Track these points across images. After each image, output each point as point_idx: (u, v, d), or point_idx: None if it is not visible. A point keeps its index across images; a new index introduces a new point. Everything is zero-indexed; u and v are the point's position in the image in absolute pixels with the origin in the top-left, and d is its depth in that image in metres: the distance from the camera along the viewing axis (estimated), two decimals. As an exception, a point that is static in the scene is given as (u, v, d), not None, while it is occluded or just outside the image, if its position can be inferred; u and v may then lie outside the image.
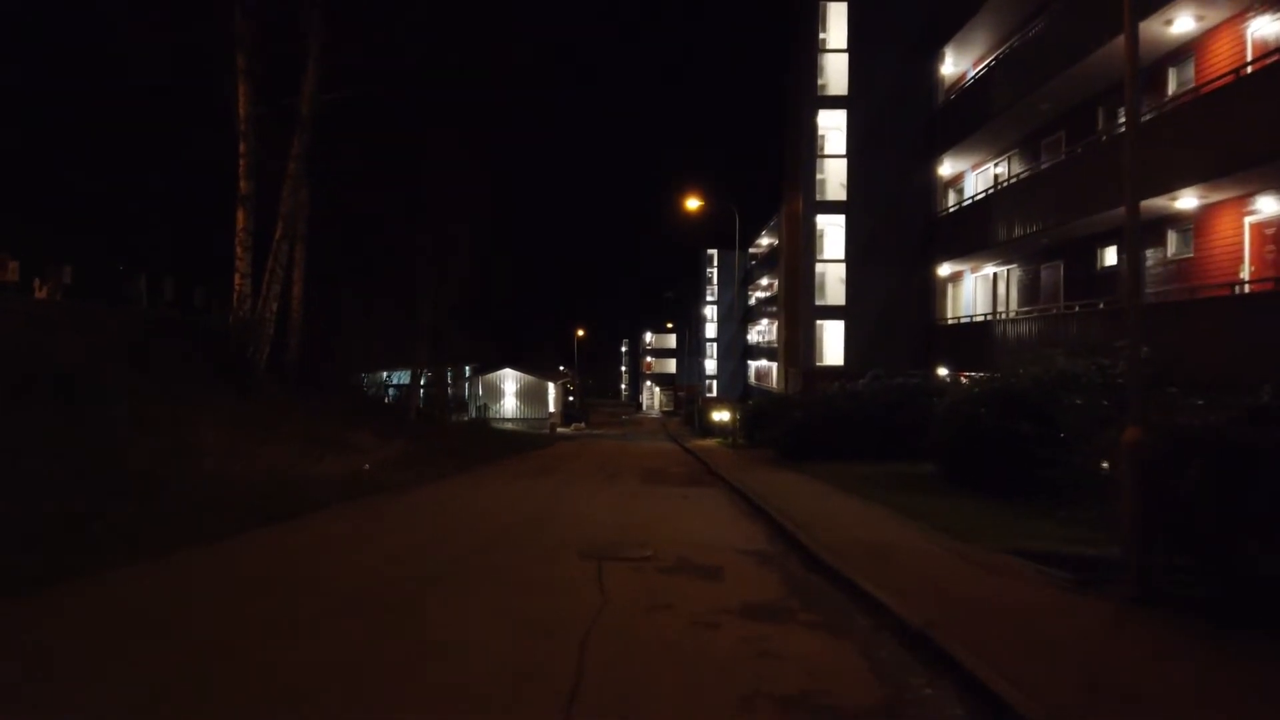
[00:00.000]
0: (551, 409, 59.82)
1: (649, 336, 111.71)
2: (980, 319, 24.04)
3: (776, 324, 45.70)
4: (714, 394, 71.99)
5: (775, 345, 45.79)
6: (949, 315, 27.36)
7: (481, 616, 5.78)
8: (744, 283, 68.09)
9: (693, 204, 33.40)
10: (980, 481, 12.01)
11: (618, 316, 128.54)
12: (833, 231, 30.39)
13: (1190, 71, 15.51)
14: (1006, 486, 11.38)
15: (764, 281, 58.01)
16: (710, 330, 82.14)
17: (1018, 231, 19.91)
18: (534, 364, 63.51)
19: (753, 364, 62.29)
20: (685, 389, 77.33)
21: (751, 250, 63.01)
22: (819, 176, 30.22)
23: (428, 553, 8.19)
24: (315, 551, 8.26)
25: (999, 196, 22.18)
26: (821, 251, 30.45)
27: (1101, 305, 16.67)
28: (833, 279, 30.20)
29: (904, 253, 28.09)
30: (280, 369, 20.53)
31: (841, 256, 29.88)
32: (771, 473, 17.45)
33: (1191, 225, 15.29)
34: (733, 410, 37.05)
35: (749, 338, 64.88)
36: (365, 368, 32.84)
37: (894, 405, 18.35)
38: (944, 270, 26.97)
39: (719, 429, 38.26)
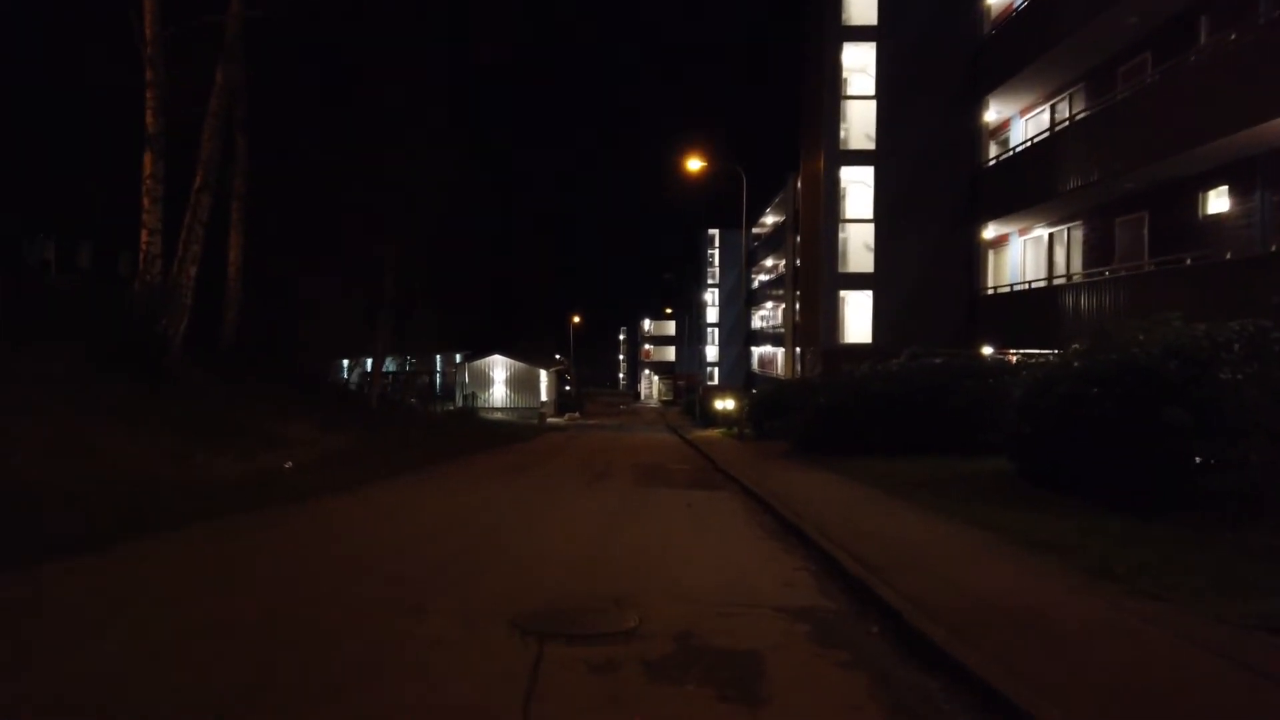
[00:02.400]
0: (544, 398, 56.77)
1: (647, 324, 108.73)
2: (1041, 284, 20.38)
3: (783, 307, 42.31)
4: (715, 382, 69.09)
5: (782, 330, 42.38)
6: (991, 285, 23.79)
7: None
8: (748, 264, 64.64)
9: (695, 165, 29.72)
10: (1090, 486, 8.98)
11: (616, 304, 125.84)
12: (857, 190, 26.66)
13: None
14: (1138, 496, 8.35)
15: (768, 263, 54.73)
16: (712, 315, 78.90)
17: (1095, 175, 16.31)
18: (527, 351, 60.36)
19: (756, 350, 59.03)
20: (685, 377, 74.41)
21: (755, 230, 59.61)
22: (842, 125, 26.46)
23: (256, 632, 4.67)
24: (57, 628, 4.71)
25: (1063, 137, 18.57)
26: (845, 212, 26.74)
27: (1229, 255, 13.09)
28: (857, 244, 26.41)
29: (941, 212, 24.42)
30: (214, 348, 17.87)
31: (869, 216, 26.10)
32: (794, 471, 14.21)
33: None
34: (738, 398, 33.89)
35: (753, 323, 61.51)
36: (337, 352, 29.47)
37: (942, 388, 15.08)
38: (989, 232, 23.30)
39: (722, 419, 35.15)
